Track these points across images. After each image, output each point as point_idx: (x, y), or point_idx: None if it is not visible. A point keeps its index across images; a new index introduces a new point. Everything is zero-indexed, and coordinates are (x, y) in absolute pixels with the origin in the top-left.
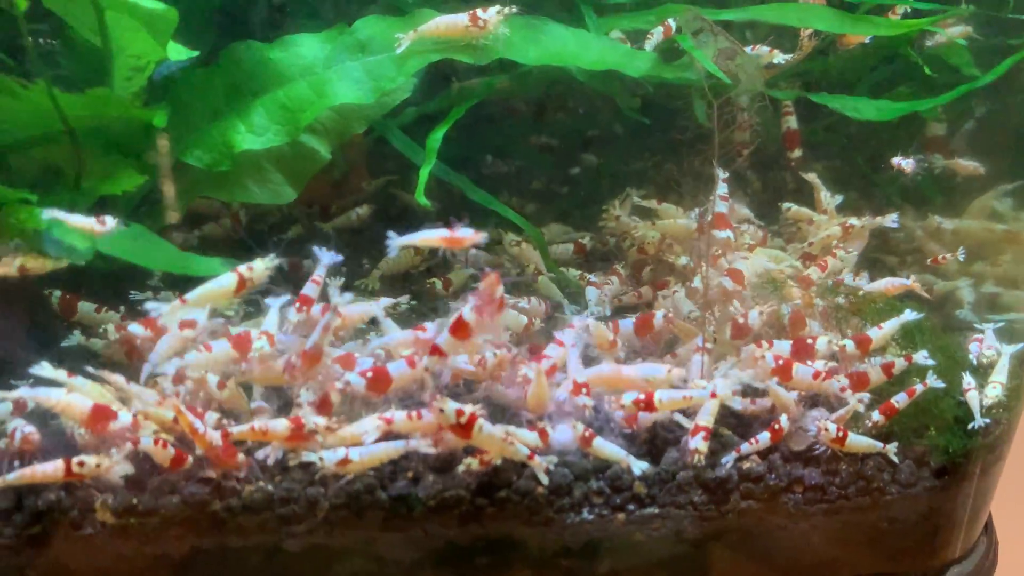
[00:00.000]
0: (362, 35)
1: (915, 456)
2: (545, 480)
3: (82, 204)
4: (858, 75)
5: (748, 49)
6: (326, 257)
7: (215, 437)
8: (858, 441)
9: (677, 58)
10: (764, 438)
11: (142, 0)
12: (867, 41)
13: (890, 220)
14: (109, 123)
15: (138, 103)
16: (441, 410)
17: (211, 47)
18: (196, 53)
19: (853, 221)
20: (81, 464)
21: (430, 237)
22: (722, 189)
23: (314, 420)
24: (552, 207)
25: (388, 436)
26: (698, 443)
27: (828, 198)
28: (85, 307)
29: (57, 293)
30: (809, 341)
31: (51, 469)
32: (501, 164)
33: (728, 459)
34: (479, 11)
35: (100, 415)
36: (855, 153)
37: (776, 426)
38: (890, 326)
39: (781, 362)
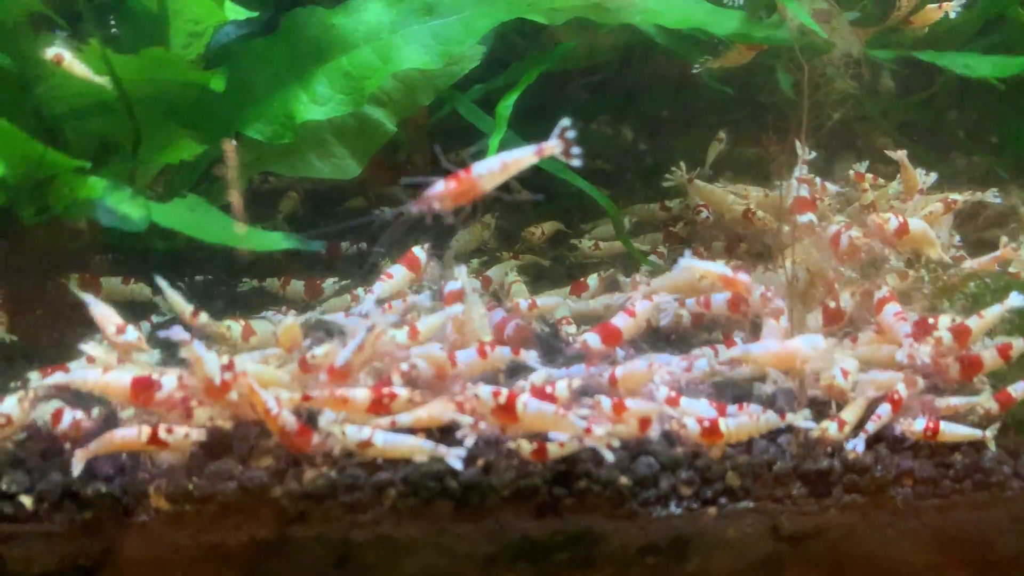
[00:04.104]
0: None
1: None
2: (610, 457)
3: (141, 175)
4: (962, 40)
5: None
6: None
7: (289, 420)
8: (953, 430)
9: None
10: (885, 411)
11: None
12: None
13: (991, 195)
14: (165, 89)
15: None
16: (476, 396)
17: (272, 14)
18: (255, 14)
19: (955, 196)
20: (170, 431)
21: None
22: (802, 171)
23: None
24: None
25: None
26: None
27: (923, 176)
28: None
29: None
30: (931, 320)
31: (133, 435)
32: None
33: (855, 443)
34: None
35: (141, 387)
36: (955, 126)
37: (896, 396)
38: (992, 313)
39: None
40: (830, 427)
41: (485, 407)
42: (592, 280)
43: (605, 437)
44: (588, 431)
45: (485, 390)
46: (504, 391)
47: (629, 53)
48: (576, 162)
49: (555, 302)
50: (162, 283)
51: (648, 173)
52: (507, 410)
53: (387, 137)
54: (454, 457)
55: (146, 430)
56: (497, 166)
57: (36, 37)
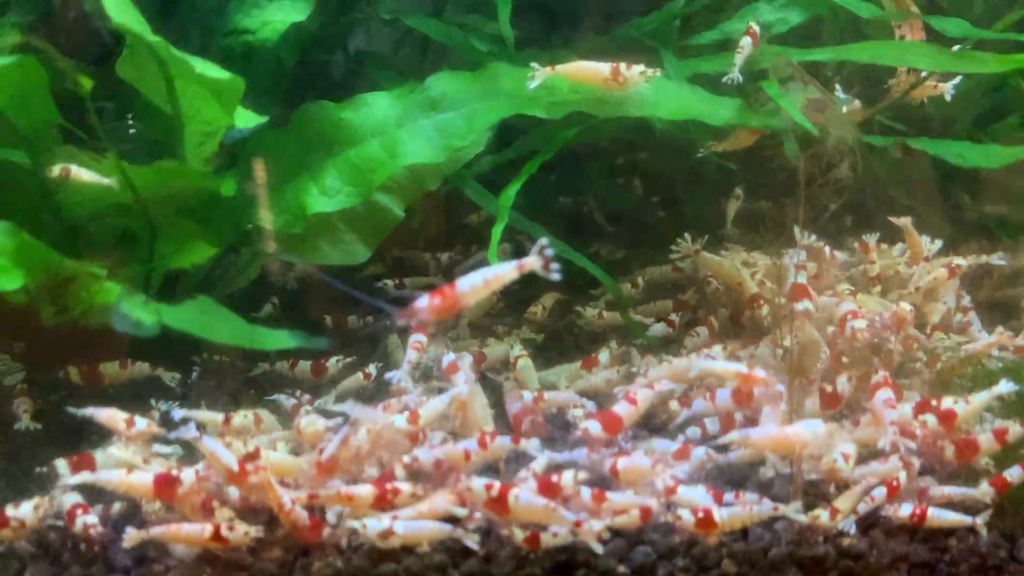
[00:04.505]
0: (434, 92)
1: None
2: (599, 550)
3: (155, 276)
4: (959, 108)
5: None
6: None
7: (301, 515)
8: (941, 516)
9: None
10: (880, 494)
11: (208, 70)
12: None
13: (996, 258)
14: (179, 192)
15: (208, 170)
16: (469, 488)
17: (283, 108)
18: (265, 119)
19: (959, 261)
20: (231, 528)
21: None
22: (801, 256)
23: (401, 486)
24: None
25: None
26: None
27: (928, 243)
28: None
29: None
30: (934, 403)
31: (197, 530)
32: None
33: (847, 524)
34: (622, 66)
35: (164, 484)
36: (956, 189)
37: (894, 483)
38: (980, 399)
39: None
40: (822, 515)
41: (479, 499)
42: (603, 355)
43: (592, 532)
44: (578, 524)
45: (478, 483)
46: (496, 484)
47: (634, 131)
48: (556, 276)
49: (565, 397)
50: (181, 414)
51: (662, 232)
52: (499, 503)
53: (395, 222)
54: (471, 540)
55: (209, 528)
56: (479, 282)
57: (56, 147)
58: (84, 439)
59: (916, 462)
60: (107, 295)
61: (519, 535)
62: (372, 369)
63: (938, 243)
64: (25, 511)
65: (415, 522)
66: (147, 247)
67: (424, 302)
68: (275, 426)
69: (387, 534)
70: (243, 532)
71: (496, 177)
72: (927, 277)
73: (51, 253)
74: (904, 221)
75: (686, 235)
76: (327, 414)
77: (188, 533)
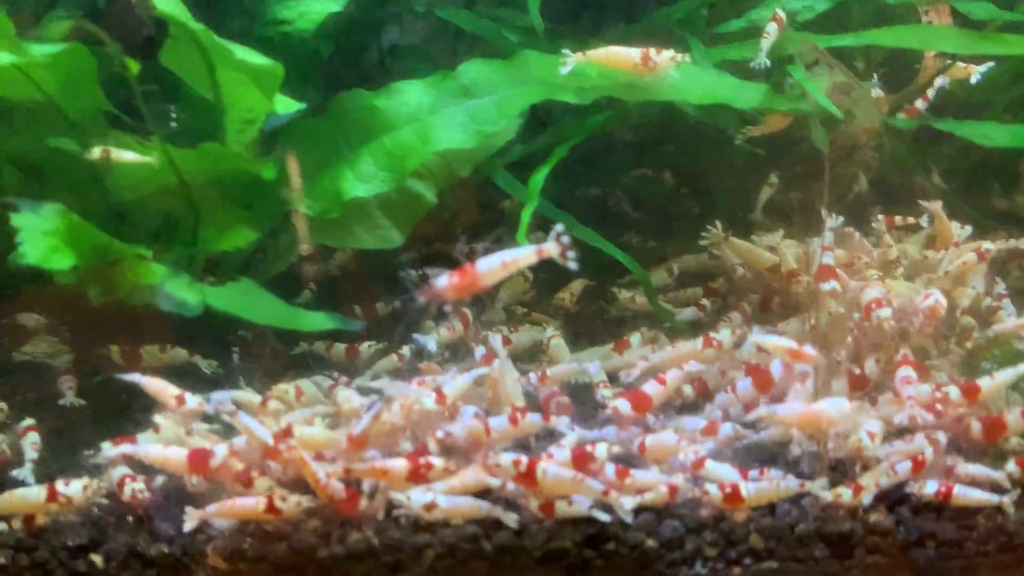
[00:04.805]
0: (465, 80)
1: None
2: (629, 519)
3: (198, 259)
4: (989, 94)
5: None
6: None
7: (337, 488)
8: (967, 494)
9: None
10: (905, 468)
11: (249, 56)
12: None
13: None
14: (222, 176)
15: (250, 154)
16: (497, 465)
17: (321, 96)
18: (303, 105)
19: (988, 246)
20: (284, 499)
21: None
22: (828, 238)
23: (434, 460)
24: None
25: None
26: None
27: (958, 228)
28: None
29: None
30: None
31: (252, 504)
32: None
33: (870, 498)
34: (652, 51)
35: (197, 459)
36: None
37: (919, 457)
38: (1005, 376)
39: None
40: (844, 493)
41: (507, 474)
42: (635, 338)
43: (619, 500)
44: (606, 493)
45: (506, 458)
46: (524, 459)
47: (664, 118)
48: (572, 265)
49: (566, 369)
50: (222, 397)
51: (693, 221)
52: (528, 477)
53: (428, 208)
54: (511, 518)
55: (263, 500)
56: (498, 264)
57: (106, 132)
58: (127, 416)
59: (943, 439)
60: (152, 276)
61: (534, 503)
62: (406, 351)
63: (968, 229)
64: (75, 489)
65: (457, 497)
66: (191, 231)
67: (443, 280)
68: (317, 399)
69: (431, 507)
70: (296, 502)
71: (528, 165)
72: (956, 262)
73: (99, 235)
74: (934, 206)
75: (716, 222)
76: (364, 392)
77: (243, 507)
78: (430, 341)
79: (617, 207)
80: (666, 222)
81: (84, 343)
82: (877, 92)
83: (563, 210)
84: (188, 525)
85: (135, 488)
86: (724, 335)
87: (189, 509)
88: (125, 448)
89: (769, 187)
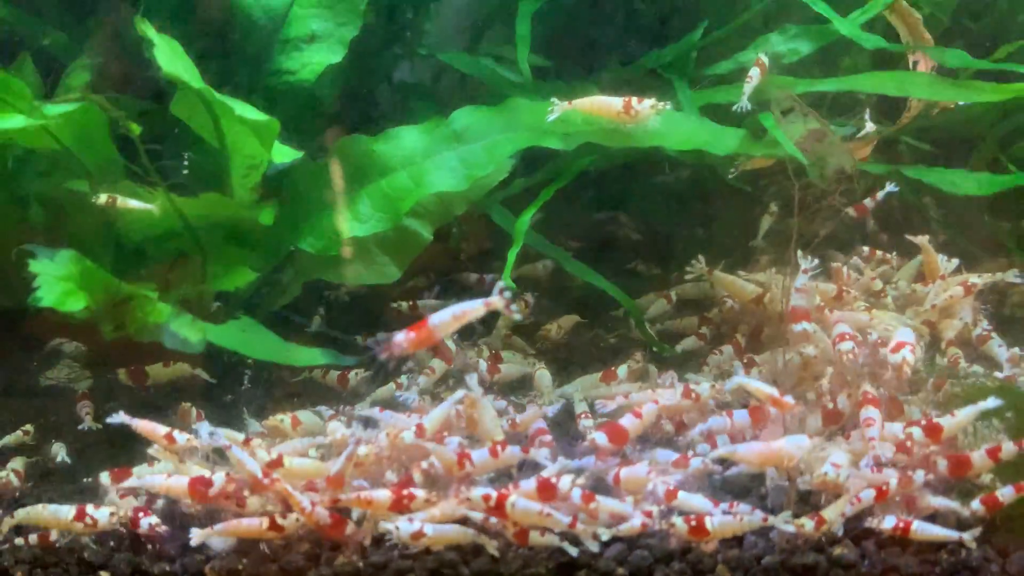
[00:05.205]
0: (457, 125)
1: None
2: (596, 548)
3: (207, 295)
4: (982, 128)
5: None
6: None
7: (323, 515)
8: (926, 529)
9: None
10: (868, 496)
11: (247, 112)
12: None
13: (1012, 275)
14: (223, 220)
15: (253, 198)
16: (468, 499)
17: (323, 140)
18: (300, 154)
19: (975, 280)
20: (284, 516)
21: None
22: (801, 280)
23: (416, 492)
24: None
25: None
26: None
27: (944, 261)
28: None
29: None
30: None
31: (256, 524)
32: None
33: (840, 528)
34: (634, 100)
35: (198, 486)
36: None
37: (884, 487)
38: (965, 413)
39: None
40: (807, 524)
41: (480, 507)
42: (622, 370)
43: (588, 531)
44: (572, 524)
45: (476, 493)
46: (493, 493)
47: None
48: (517, 316)
49: (530, 415)
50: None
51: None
52: (498, 510)
53: (425, 244)
54: (492, 546)
55: (265, 520)
56: (448, 318)
57: (120, 177)
58: (139, 440)
59: (920, 477)
60: (159, 315)
61: (510, 530)
62: (404, 379)
63: (954, 262)
64: (103, 514)
65: (443, 525)
66: (201, 268)
67: (401, 337)
68: (313, 429)
69: (418, 535)
70: (295, 518)
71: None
72: (943, 295)
73: (109, 277)
74: (922, 239)
75: (699, 256)
76: (356, 420)
77: (248, 527)
78: (411, 396)
79: (624, 233)
80: (670, 250)
81: (104, 369)
82: (870, 126)
83: (572, 236)
84: (195, 541)
85: (151, 522)
86: (704, 387)
87: (195, 530)
88: (131, 482)
89: (770, 216)
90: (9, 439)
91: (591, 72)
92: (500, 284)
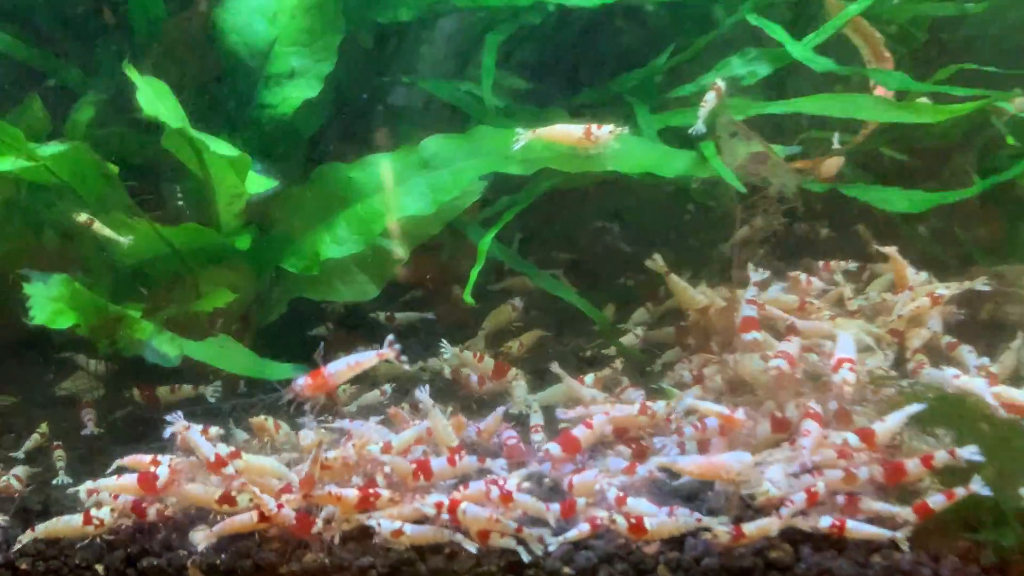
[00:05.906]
0: (426, 153)
1: (961, 551)
2: (538, 551)
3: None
4: (955, 140)
5: None
6: None
7: (288, 516)
8: (860, 528)
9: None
10: (800, 499)
11: (220, 148)
12: None
13: (980, 284)
14: (206, 246)
15: (240, 223)
16: (420, 509)
17: (303, 168)
18: (274, 184)
19: (942, 291)
20: (268, 509)
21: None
22: (751, 292)
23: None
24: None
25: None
26: None
27: (914, 274)
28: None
29: None
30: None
31: (247, 518)
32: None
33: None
34: (593, 127)
35: (146, 481)
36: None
37: (813, 489)
38: (894, 419)
39: None
40: (722, 534)
41: (433, 514)
42: (588, 378)
43: (533, 536)
44: (519, 529)
45: (430, 500)
46: (445, 500)
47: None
48: (406, 367)
49: (494, 420)
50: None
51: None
52: (451, 515)
53: (400, 263)
54: (470, 544)
55: (255, 513)
56: (344, 367)
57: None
58: (139, 443)
59: (864, 471)
60: (143, 332)
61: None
62: (388, 387)
63: (923, 274)
64: (104, 513)
65: (421, 526)
66: (194, 289)
67: (300, 381)
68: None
69: (398, 533)
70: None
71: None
72: (911, 305)
73: (98, 298)
74: (890, 250)
75: (656, 255)
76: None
77: (242, 522)
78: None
79: (616, 245)
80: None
81: (115, 382)
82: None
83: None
84: (201, 544)
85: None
86: (659, 405)
87: (195, 534)
88: (89, 484)
89: (750, 228)
90: (29, 443)
91: (567, 96)
92: (389, 338)
